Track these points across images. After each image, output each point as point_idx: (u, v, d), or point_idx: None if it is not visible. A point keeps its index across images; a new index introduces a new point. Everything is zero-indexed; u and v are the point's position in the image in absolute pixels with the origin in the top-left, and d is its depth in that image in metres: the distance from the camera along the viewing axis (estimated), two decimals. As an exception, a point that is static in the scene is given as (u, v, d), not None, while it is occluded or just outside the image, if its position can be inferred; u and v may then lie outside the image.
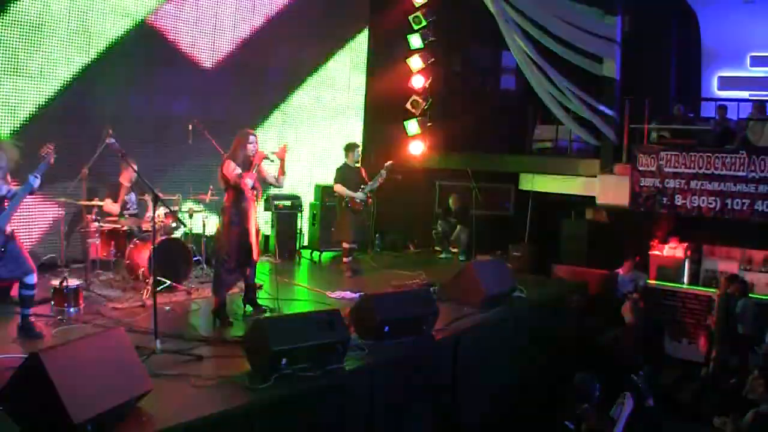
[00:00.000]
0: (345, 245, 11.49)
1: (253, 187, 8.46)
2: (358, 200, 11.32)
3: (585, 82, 13.21)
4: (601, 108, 13.11)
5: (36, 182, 7.06)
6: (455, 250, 13.96)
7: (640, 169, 12.70)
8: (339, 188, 11.36)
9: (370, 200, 11.69)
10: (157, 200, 7.35)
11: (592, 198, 13.54)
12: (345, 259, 11.56)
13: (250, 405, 5.92)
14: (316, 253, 13.21)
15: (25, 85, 10.38)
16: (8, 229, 7.13)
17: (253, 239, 8.52)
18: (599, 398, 7.55)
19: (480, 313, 9.28)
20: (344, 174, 11.45)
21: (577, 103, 12.94)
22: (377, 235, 14.36)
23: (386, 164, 11.69)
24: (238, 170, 8.26)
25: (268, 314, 8.69)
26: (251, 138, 8.41)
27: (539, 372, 10.05)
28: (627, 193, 12.82)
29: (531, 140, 15.32)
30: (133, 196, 10.43)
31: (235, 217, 8.35)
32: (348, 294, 9.94)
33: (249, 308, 8.85)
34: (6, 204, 7.09)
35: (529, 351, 9.96)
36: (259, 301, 9.04)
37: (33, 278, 7.45)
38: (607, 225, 14.03)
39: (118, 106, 11.41)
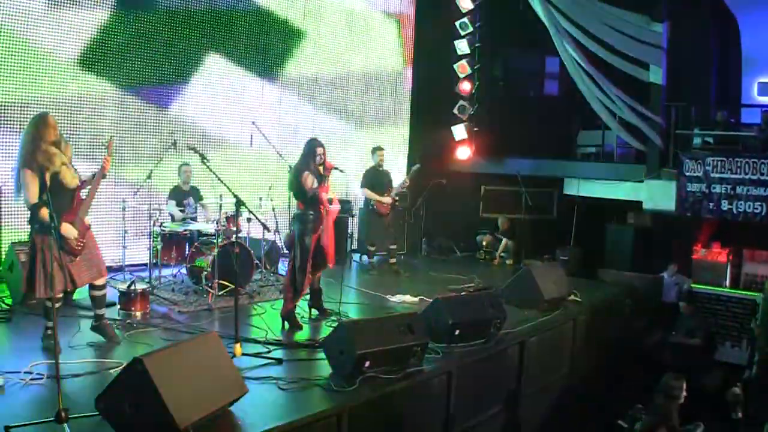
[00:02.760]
0: (369, 248, 11.45)
1: (330, 200, 8.40)
2: (384, 203, 11.22)
3: (631, 88, 13.00)
4: (648, 114, 12.91)
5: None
6: (503, 254, 13.80)
7: (687, 174, 12.49)
8: (365, 192, 11.27)
9: (397, 203, 11.63)
10: (240, 205, 7.19)
11: (636, 202, 13.35)
12: (365, 261, 11.52)
13: (337, 407, 5.79)
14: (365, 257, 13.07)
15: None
16: (86, 222, 7.06)
17: (327, 245, 8.41)
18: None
19: (539, 317, 9.11)
20: (371, 177, 11.37)
21: (625, 109, 12.77)
22: (424, 240, 14.22)
23: (413, 168, 11.60)
24: (316, 183, 8.17)
25: (333, 318, 8.56)
26: (319, 150, 8.30)
27: (596, 373, 9.91)
28: (673, 198, 12.61)
29: (575, 145, 15.15)
30: (191, 200, 10.34)
31: (311, 224, 8.23)
32: (408, 298, 9.79)
33: (314, 312, 8.72)
34: (80, 197, 7.03)
35: (586, 353, 9.81)
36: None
37: (103, 279, 7.34)
38: (650, 229, 13.84)
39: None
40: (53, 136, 6.82)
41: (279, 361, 6.84)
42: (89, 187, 7.04)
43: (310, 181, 8.14)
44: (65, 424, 4.87)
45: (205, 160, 7.25)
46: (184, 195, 10.36)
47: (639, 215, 14.01)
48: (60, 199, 6.74)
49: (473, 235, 14.50)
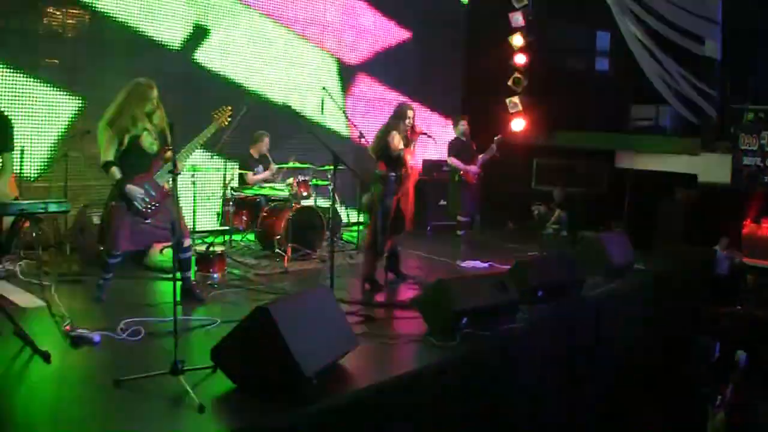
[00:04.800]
0: (459, 218, 11.20)
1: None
2: (471, 173, 11.03)
3: (687, 62, 12.81)
4: (704, 88, 12.73)
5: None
6: (557, 226, 13.64)
7: (742, 147, 12.32)
8: (453, 161, 11.07)
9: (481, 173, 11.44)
10: (337, 161, 7.12)
11: (687, 176, 13.18)
12: (459, 232, 11.28)
13: (442, 362, 5.73)
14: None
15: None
16: (166, 186, 7.02)
17: (407, 209, 8.31)
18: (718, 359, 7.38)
19: (606, 284, 8.97)
20: (457, 147, 11.17)
21: (682, 83, 12.60)
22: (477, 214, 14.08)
23: (496, 138, 11.41)
24: (402, 144, 8.07)
25: (412, 282, 8.52)
26: (409, 113, 8.20)
27: (662, 342, 9.82)
28: (729, 171, 12.43)
29: (628, 119, 14.95)
30: (260, 168, 10.26)
31: (392, 185, 8.14)
32: (479, 263, 9.71)
33: (392, 276, 8.63)
34: (159, 163, 7.01)
35: (651, 321, 9.68)
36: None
37: (187, 241, 7.31)
38: (701, 203, 13.65)
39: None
40: (147, 105, 6.83)
41: (372, 319, 6.77)
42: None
43: (396, 141, 8.05)
44: (181, 376, 4.78)
45: (300, 119, 7.19)
46: (255, 162, 10.24)
47: (687, 190, 13.83)
48: (134, 161, 6.81)
49: (525, 208, 14.33)
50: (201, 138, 7.04)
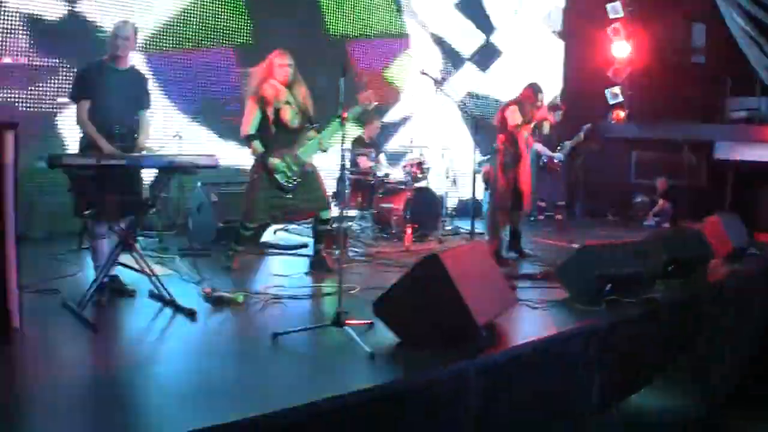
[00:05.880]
0: (539, 203, 11.21)
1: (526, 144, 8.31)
2: (556, 160, 10.95)
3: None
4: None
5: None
6: (658, 218, 13.44)
7: None
8: (538, 146, 11.02)
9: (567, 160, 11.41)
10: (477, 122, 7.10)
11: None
12: (557, 216, 11.25)
13: (589, 326, 5.63)
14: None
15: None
16: (311, 161, 7.08)
17: (525, 187, 8.27)
18: None
19: (725, 266, 8.76)
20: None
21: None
22: (577, 203, 13.95)
23: (585, 126, 11.30)
24: (519, 121, 8.05)
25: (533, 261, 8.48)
26: (540, 95, 8.21)
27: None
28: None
29: (727, 110, 14.67)
30: (372, 152, 10.30)
31: (509, 159, 8.14)
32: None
33: (513, 255, 8.56)
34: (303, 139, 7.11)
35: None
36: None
37: (328, 213, 7.34)
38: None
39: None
40: (284, 74, 6.85)
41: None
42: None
43: (516, 116, 8.03)
44: (346, 327, 4.78)
45: (438, 84, 7.21)
46: (366, 146, 10.28)
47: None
48: (277, 135, 6.90)
49: (625, 200, 14.14)
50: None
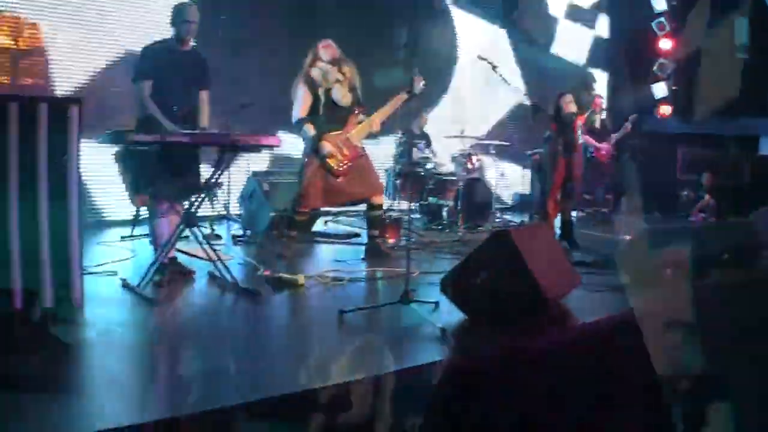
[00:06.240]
0: (585, 196, 11.12)
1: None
2: (602, 151, 10.86)
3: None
4: None
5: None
6: (704, 214, 13.27)
7: None
8: (585, 138, 10.91)
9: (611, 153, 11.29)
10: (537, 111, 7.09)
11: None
12: (587, 210, 11.23)
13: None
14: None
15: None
16: (361, 145, 7.10)
17: (577, 177, 8.21)
18: None
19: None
20: (589, 125, 11.03)
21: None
22: (622, 196, 13.81)
23: (631, 117, 11.20)
24: (575, 109, 8.05)
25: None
26: (595, 85, 8.21)
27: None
28: None
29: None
30: (422, 145, 10.27)
31: (561, 146, 8.07)
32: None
33: (564, 244, 8.46)
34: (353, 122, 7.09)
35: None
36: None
37: (380, 198, 7.30)
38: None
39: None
40: (330, 54, 6.84)
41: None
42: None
43: (572, 105, 8.00)
44: (413, 305, 4.76)
45: (496, 68, 7.19)
46: (417, 138, 10.24)
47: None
48: (329, 114, 6.90)
49: (671, 195, 13.98)
50: (395, 102, 7.01)
